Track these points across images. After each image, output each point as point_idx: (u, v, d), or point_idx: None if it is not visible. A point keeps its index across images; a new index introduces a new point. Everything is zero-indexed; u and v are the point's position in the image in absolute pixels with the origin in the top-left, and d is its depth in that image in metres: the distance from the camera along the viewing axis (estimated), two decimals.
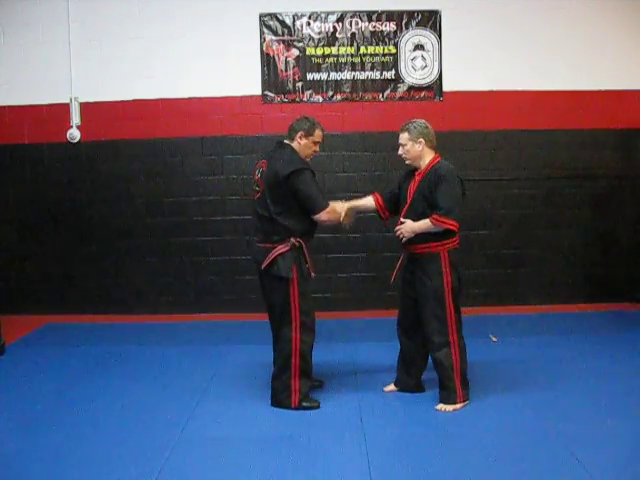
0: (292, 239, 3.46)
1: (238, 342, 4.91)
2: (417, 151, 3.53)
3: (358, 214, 3.86)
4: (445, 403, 3.50)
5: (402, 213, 3.58)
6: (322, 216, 3.48)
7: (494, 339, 4.81)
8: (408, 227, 3.47)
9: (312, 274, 3.56)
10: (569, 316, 5.54)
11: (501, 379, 3.89)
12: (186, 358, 4.55)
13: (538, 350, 4.55)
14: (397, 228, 3.53)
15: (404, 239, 3.50)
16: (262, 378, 3.76)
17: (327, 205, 3.50)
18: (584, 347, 4.63)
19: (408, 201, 3.56)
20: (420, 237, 3.46)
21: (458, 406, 3.49)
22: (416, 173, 3.59)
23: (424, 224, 3.42)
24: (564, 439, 3.09)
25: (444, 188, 3.40)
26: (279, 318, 3.56)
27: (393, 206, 3.76)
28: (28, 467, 2.93)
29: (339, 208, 3.62)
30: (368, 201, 3.83)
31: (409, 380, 3.76)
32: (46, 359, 4.57)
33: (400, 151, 3.61)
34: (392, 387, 3.81)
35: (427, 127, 3.56)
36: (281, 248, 3.45)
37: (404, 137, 3.56)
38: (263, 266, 3.49)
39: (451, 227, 3.40)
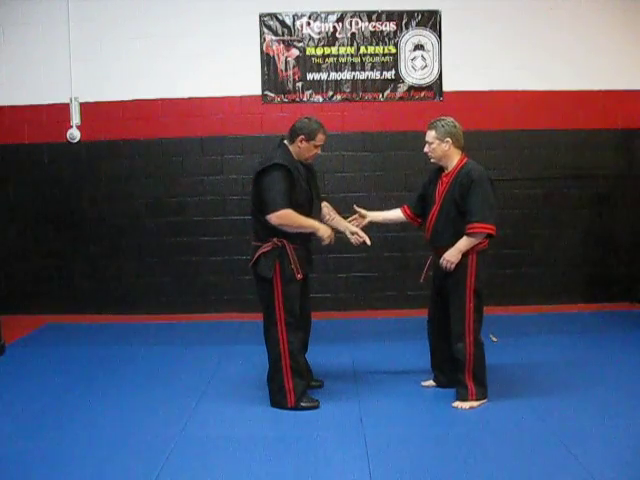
0: (275, 238, 3.43)
1: (238, 342, 4.91)
2: (443, 150, 3.48)
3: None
4: (458, 399, 3.49)
5: (431, 216, 3.54)
6: (271, 219, 3.34)
7: (494, 339, 4.81)
8: (452, 255, 3.40)
9: (298, 275, 3.46)
10: (569, 316, 5.54)
11: (501, 379, 3.89)
12: (186, 358, 4.55)
13: (538, 350, 4.55)
14: (441, 262, 3.45)
15: (452, 267, 3.41)
16: (262, 378, 3.75)
17: (281, 209, 3.30)
18: (584, 347, 4.63)
19: (437, 204, 3.51)
20: (449, 240, 3.43)
21: (475, 404, 3.47)
22: (443, 175, 3.54)
23: (465, 242, 3.38)
24: (564, 439, 3.09)
25: (476, 194, 3.35)
26: (266, 318, 3.56)
27: (422, 211, 3.72)
28: (28, 467, 2.93)
29: (323, 230, 3.48)
30: (396, 214, 3.83)
31: (442, 377, 3.76)
32: (46, 359, 4.57)
33: (426, 149, 3.54)
34: (430, 382, 3.82)
35: (455, 126, 3.49)
36: (264, 247, 3.45)
37: (431, 135, 3.49)
38: (249, 265, 3.52)
39: (490, 232, 3.37)
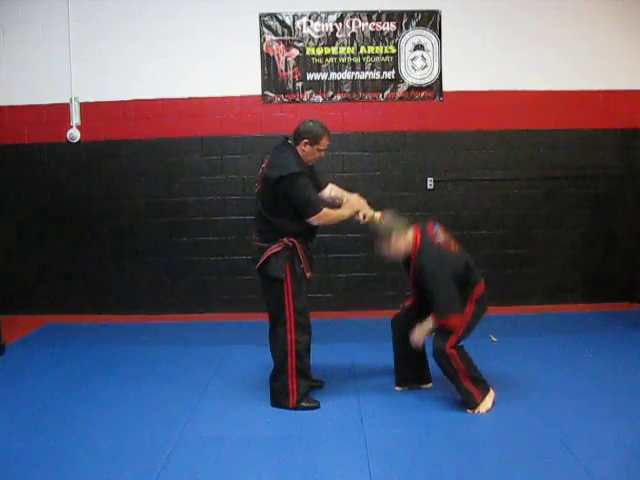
0: (285, 239, 3.45)
1: (238, 342, 4.90)
2: (397, 246, 3.46)
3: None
4: (469, 407, 3.44)
5: (410, 286, 3.66)
6: (313, 221, 3.47)
7: (494, 339, 4.81)
8: (419, 337, 3.47)
9: (307, 274, 3.52)
10: (569, 316, 5.54)
11: (501, 379, 3.89)
12: (186, 358, 4.55)
13: (538, 350, 4.55)
14: (411, 340, 3.50)
15: (420, 345, 3.52)
16: (262, 378, 3.76)
17: (320, 210, 3.45)
18: (584, 347, 4.63)
19: (411, 281, 3.60)
20: None
21: (489, 403, 3.44)
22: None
23: (431, 325, 3.42)
24: (564, 439, 3.09)
25: (431, 287, 3.35)
26: (274, 318, 3.56)
27: None
28: (28, 467, 2.93)
29: (354, 200, 3.69)
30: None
31: (413, 375, 3.75)
32: (46, 359, 4.57)
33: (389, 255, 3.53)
34: (399, 388, 3.80)
35: (394, 219, 3.52)
36: (274, 248, 3.46)
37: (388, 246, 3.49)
38: (257, 266, 3.51)
39: (454, 323, 3.35)
